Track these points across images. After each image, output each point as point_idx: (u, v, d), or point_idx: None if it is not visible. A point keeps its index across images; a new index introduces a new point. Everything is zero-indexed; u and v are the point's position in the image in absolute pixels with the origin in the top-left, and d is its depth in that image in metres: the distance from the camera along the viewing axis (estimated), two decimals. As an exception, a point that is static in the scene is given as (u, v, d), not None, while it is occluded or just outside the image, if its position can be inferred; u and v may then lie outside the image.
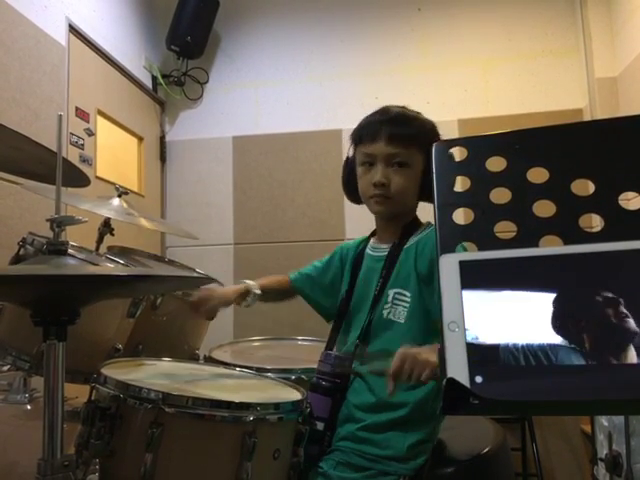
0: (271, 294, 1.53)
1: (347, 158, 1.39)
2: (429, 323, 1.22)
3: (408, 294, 1.26)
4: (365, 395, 1.25)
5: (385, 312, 1.28)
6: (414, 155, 1.29)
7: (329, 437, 1.23)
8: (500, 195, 0.55)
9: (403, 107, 1.36)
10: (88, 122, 2.49)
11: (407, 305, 1.26)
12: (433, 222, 0.56)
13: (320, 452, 1.21)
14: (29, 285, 0.86)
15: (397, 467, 1.18)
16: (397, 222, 1.35)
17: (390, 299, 1.28)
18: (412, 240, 1.32)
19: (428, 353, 1.02)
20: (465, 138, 0.59)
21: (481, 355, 0.46)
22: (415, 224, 1.36)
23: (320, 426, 1.22)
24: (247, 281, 1.49)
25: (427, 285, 1.25)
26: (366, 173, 1.32)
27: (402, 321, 1.26)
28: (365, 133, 1.33)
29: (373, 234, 1.44)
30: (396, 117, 1.32)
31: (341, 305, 1.39)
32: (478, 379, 0.45)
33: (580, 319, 0.46)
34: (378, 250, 1.38)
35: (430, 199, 1.18)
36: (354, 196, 1.39)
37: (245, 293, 1.46)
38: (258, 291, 1.46)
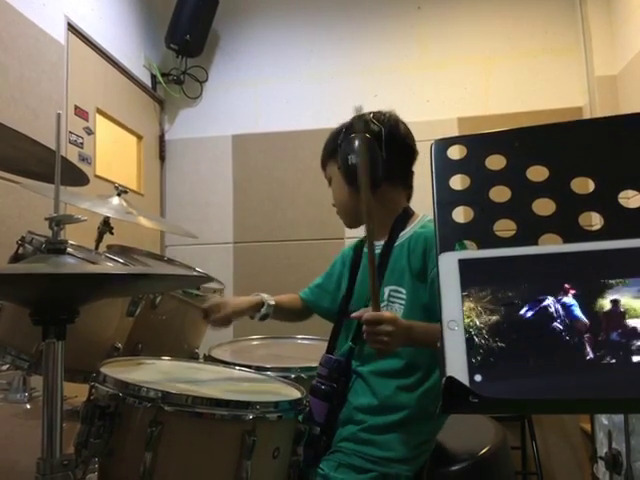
0: (284, 310, 1.54)
1: None
2: (426, 319, 1.21)
3: (403, 291, 1.26)
4: (366, 397, 1.25)
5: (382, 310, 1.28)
6: (330, 168, 1.42)
7: (325, 442, 1.23)
8: (500, 193, 0.55)
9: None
10: (87, 121, 2.49)
11: (403, 302, 1.25)
12: (432, 219, 0.56)
13: (316, 456, 1.20)
14: (28, 284, 0.86)
15: (399, 469, 1.18)
16: (385, 219, 1.34)
17: (386, 297, 1.27)
18: (403, 236, 1.32)
19: (405, 337, 1.12)
20: (464, 136, 0.59)
21: (481, 353, 0.46)
22: (404, 219, 1.35)
23: (316, 430, 1.22)
24: (262, 294, 1.52)
25: (422, 281, 1.24)
26: None
27: None
28: None
29: None
30: None
31: (341, 305, 1.39)
32: (477, 377, 0.45)
33: (580, 318, 0.46)
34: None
35: (373, 181, 1.21)
36: None
37: (260, 304, 1.48)
38: (272, 302, 1.49)
